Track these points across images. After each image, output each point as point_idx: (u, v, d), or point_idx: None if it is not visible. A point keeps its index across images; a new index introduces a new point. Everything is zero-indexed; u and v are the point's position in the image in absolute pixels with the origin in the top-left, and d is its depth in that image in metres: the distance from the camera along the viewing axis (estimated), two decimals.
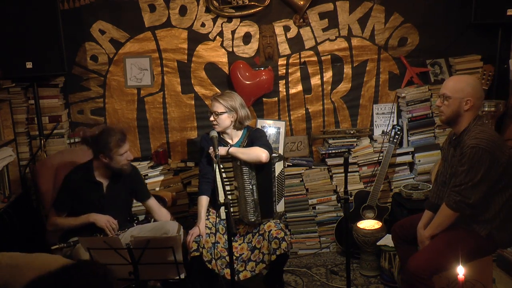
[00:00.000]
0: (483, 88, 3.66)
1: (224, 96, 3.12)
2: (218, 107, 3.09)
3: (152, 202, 3.16)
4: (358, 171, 3.89)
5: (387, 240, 3.27)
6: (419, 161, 3.83)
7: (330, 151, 3.86)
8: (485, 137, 2.46)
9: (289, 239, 2.96)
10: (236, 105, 3.11)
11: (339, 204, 3.85)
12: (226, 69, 3.84)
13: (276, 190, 3.10)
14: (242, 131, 3.21)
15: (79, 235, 2.65)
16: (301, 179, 3.87)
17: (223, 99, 3.10)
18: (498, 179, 2.48)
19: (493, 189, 2.49)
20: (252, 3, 3.72)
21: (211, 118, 3.11)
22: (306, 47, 3.84)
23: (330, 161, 3.87)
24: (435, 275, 2.51)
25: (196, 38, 3.79)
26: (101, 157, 2.87)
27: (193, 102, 3.89)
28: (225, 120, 3.10)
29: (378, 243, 3.35)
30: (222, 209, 2.89)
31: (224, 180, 2.78)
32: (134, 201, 3.64)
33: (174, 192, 3.70)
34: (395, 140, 3.67)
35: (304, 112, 3.95)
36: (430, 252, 2.52)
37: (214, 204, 3.15)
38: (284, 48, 3.83)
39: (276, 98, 3.92)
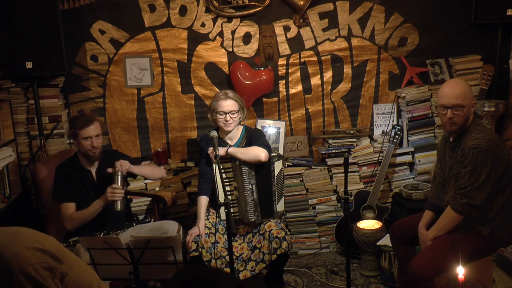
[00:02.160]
0: (483, 88, 3.67)
1: (236, 94, 3.16)
2: (234, 106, 3.08)
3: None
4: (358, 171, 3.89)
5: (387, 240, 3.27)
6: (419, 161, 3.83)
7: (330, 151, 3.86)
8: (485, 137, 2.46)
9: (290, 238, 2.96)
10: (243, 102, 3.15)
11: (339, 204, 3.85)
12: (226, 69, 3.84)
13: (276, 190, 3.10)
14: (241, 131, 3.21)
15: (79, 235, 2.65)
16: (301, 179, 3.87)
17: (236, 96, 3.13)
18: (499, 178, 2.48)
19: (495, 189, 2.49)
20: (252, 3, 3.72)
21: (227, 118, 3.06)
22: (306, 47, 3.84)
23: (330, 161, 3.87)
24: (437, 275, 2.51)
25: (196, 38, 3.79)
26: (73, 142, 2.98)
27: (193, 102, 3.89)
28: (238, 119, 3.12)
29: (378, 243, 3.35)
30: (222, 209, 2.89)
31: (224, 180, 2.78)
32: (134, 201, 3.66)
33: (174, 192, 3.70)
34: (395, 140, 3.67)
35: (304, 112, 3.95)
36: (433, 253, 2.52)
37: (214, 204, 3.15)
38: (284, 48, 3.83)
39: (276, 98, 3.92)
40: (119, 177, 2.90)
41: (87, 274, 1.84)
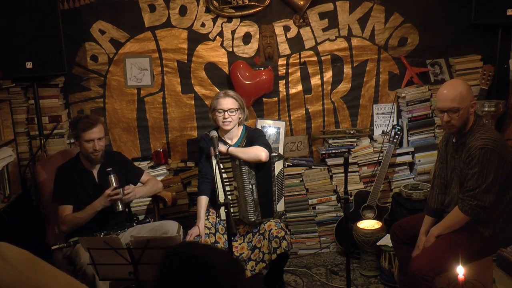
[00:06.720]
0: (483, 88, 3.67)
1: (237, 94, 3.15)
2: (233, 104, 3.08)
3: (145, 177, 3.28)
4: (358, 171, 3.89)
5: (387, 240, 3.27)
6: (419, 161, 3.83)
7: (330, 151, 3.86)
8: (491, 137, 2.45)
9: (290, 238, 2.96)
10: (244, 103, 3.14)
11: (339, 204, 3.85)
12: (226, 69, 3.84)
13: (276, 189, 3.10)
14: (241, 131, 3.21)
15: (79, 235, 2.65)
16: (301, 179, 3.86)
17: (237, 96, 3.13)
18: (504, 179, 2.47)
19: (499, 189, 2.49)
20: (252, 3, 3.72)
21: (225, 116, 3.06)
22: (306, 47, 3.84)
23: (330, 161, 3.87)
24: (438, 276, 2.51)
25: (196, 38, 3.79)
26: (75, 143, 2.96)
27: (193, 102, 3.89)
28: (237, 118, 3.11)
29: (378, 243, 3.35)
30: (222, 209, 2.89)
31: (224, 180, 2.78)
32: (134, 201, 3.66)
33: (174, 192, 3.70)
34: (395, 140, 3.67)
35: (304, 112, 3.95)
36: (434, 253, 2.51)
37: (214, 204, 3.15)
38: (284, 48, 3.83)
39: (276, 98, 3.92)
40: (113, 178, 2.89)
41: None
